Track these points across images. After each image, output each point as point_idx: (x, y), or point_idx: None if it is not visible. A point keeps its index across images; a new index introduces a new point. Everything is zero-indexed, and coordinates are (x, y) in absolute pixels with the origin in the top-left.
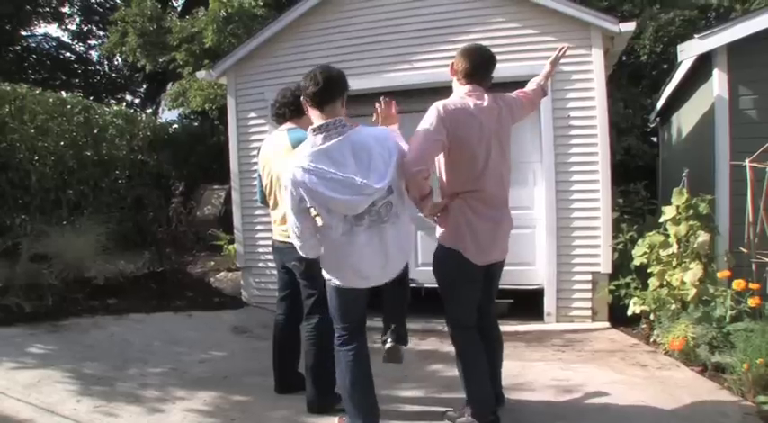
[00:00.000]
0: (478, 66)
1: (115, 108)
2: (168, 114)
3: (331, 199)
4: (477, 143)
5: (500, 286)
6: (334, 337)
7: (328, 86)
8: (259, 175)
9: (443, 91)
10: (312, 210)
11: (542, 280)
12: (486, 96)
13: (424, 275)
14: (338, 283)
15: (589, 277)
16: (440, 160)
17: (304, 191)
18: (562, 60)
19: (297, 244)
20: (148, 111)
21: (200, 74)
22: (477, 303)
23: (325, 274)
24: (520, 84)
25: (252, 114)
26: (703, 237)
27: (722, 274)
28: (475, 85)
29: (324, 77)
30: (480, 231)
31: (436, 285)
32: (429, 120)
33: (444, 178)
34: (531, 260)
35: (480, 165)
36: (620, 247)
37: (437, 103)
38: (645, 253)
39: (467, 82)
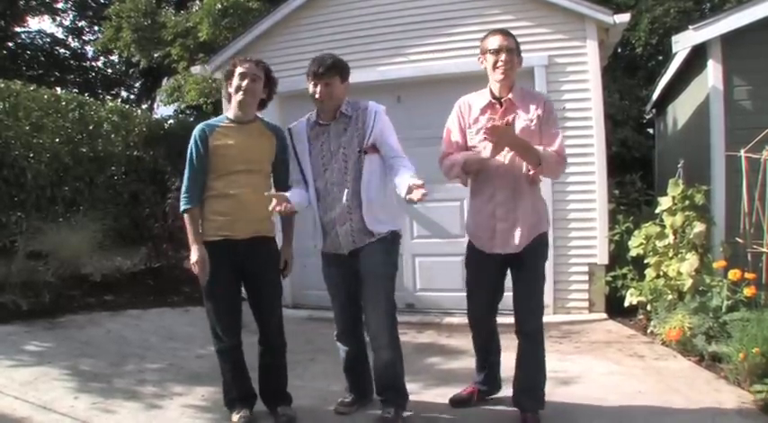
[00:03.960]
0: None
1: (110, 104)
2: (163, 110)
3: None
4: None
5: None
6: None
7: None
8: None
9: (438, 83)
10: None
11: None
12: None
13: None
14: None
15: (586, 269)
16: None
17: None
18: (558, 52)
19: None
20: (144, 106)
21: (195, 69)
22: None
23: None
24: None
25: None
26: (699, 227)
27: (718, 264)
28: None
29: None
30: None
31: None
32: None
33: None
34: None
35: None
36: (616, 238)
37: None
38: (641, 244)
39: None
